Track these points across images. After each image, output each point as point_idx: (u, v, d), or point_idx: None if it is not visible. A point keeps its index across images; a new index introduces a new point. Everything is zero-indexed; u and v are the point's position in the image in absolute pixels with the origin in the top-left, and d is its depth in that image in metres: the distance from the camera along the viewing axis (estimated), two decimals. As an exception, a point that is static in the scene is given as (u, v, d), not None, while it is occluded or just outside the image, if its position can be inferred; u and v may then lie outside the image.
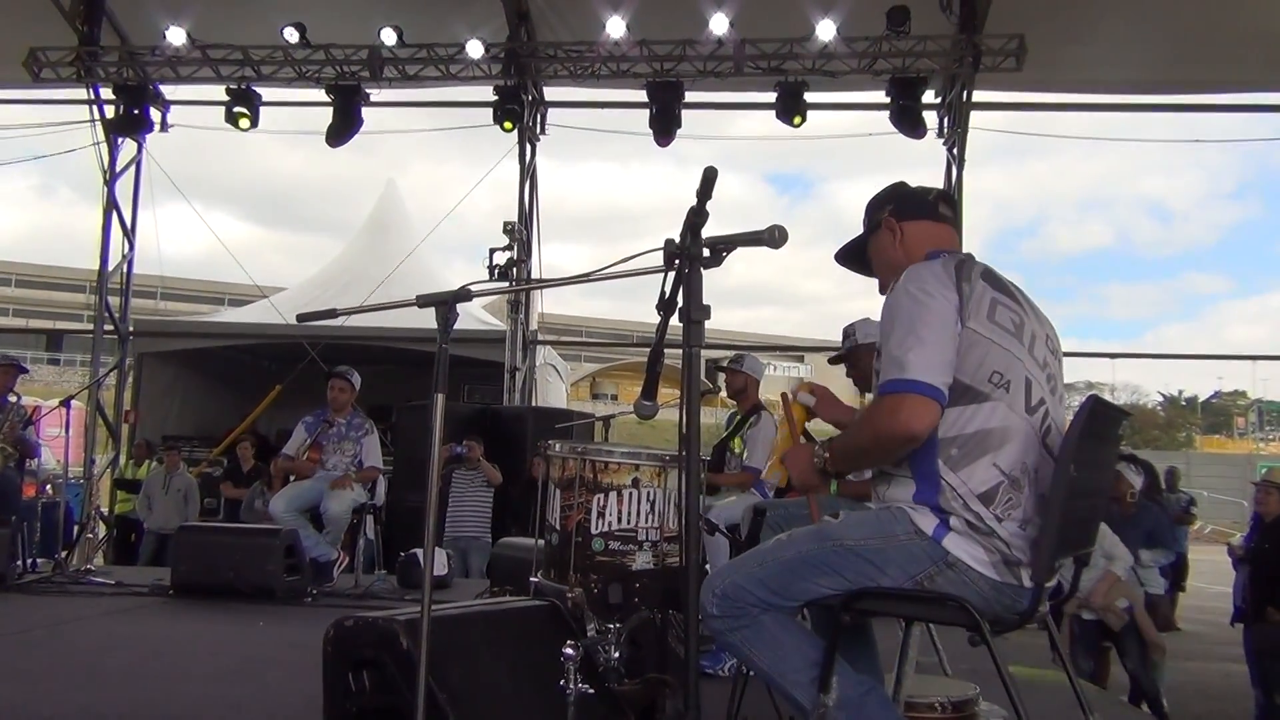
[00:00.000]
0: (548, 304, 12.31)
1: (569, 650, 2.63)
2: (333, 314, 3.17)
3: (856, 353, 4.03)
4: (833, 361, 4.33)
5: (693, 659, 2.03)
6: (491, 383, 11.86)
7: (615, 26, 9.96)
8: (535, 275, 11.00)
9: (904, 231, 2.54)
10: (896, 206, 2.58)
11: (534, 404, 11.59)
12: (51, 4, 10.14)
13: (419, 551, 7.15)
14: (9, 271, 46.59)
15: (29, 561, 7.21)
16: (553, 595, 3.16)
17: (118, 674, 4.45)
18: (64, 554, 7.55)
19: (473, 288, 2.96)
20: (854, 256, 2.74)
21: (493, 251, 10.51)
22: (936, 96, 10.95)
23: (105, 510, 11.38)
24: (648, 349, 2.47)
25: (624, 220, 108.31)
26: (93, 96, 10.98)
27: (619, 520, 3.22)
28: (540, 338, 11.92)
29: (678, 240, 2.42)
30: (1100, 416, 2.27)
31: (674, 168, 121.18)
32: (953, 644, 3.79)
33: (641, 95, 10.47)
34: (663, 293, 2.43)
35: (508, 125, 10.58)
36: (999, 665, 2.15)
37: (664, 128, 10.30)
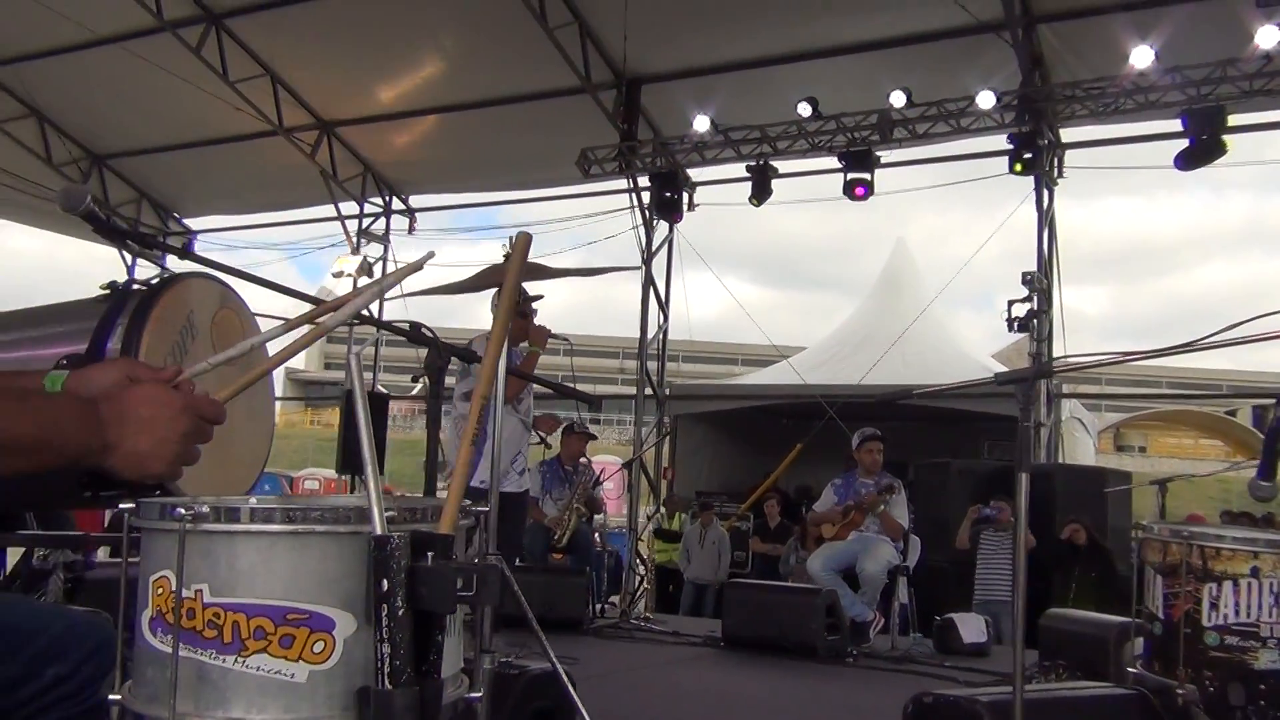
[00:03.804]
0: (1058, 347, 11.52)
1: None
2: (909, 393, 3.25)
3: None
4: None
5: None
6: (1013, 438, 11.42)
7: (1142, 56, 9.29)
8: (1056, 325, 10.47)
9: None
10: None
11: (1060, 460, 10.97)
12: (599, 110, 11.50)
13: (956, 616, 7.04)
14: (560, 343, 52.64)
15: (599, 607, 8.09)
16: (1158, 690, 2.95)
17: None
18: (628, 601, 8.35)
19: (1047, 360, 2.87)
20: None
21: (1011, 304, 10.13)
22: None
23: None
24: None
25: (1149, 256, 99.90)
26: (632, 185, 12.26)
27: (1236, 613, 2.93)
28: (1064, 390, 11.29)
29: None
30: None
31: (1209, 194, 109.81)
32: None
33: (1171, 125, 9.66)
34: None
35: (1019, 168, 10.25)
36: None
37: (1202, 156, 9.41)
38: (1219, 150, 9.37)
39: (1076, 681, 4.21)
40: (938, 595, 8.64)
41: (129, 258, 12.46)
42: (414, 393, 14.86)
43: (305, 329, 1.61)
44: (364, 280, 13.51)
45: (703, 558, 11.34)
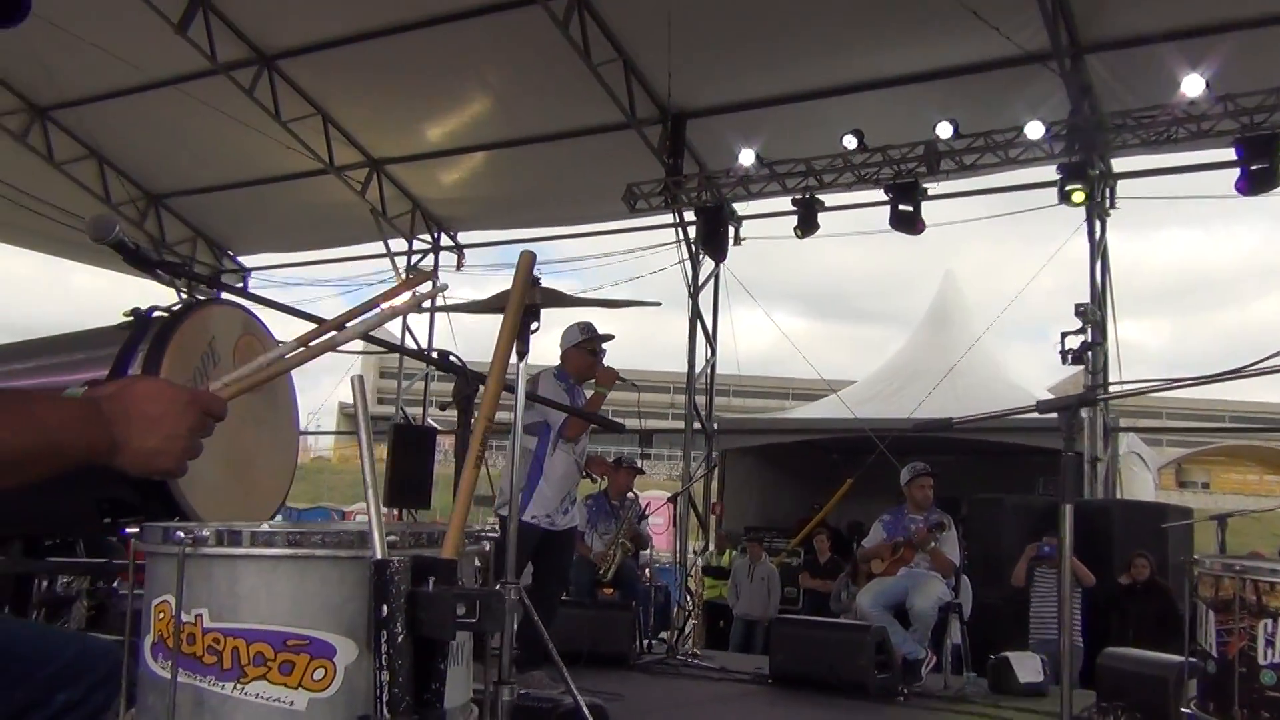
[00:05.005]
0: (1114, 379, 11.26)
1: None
2: (948, 425, 3.17)
3: None
4: None
5: None
6: (1068, 474, 11.16)
7: (1193, 85, 9.13)
8: (1112, 357, 10.25)
9: None
10: None
11: (1119, 496, 10.69)
12: (644, 145, 11.55)
13: (1011, 655, 6.86)
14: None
15: (645, 643, 7.98)
16: (1213, 731, 2.82)
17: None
18: (674, 636, 8.24)
19: (1099, 392, 2.78)
20: None
21: (1064, 335, 9.95)
22: None
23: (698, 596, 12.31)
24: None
25: (1208, 288, 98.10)
26: (678, 220, 12.27)
27: (1293, 650, 2.80)
28: (1121, 424, 11.02)
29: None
30: None
31: (1269, 224, 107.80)
32: None
33: (1225, 154, 9.48)
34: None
35: (1075, 200, 10.06)
36: None
37: (1262, 184, 9.21)
38: (1277, 180, 9.16)
39: (1133, 723, 4.06)
40: (992, 634, 8.40)
41: (182, 294, 12.69)
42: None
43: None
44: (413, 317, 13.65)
45: (752, 593, 11.20)
